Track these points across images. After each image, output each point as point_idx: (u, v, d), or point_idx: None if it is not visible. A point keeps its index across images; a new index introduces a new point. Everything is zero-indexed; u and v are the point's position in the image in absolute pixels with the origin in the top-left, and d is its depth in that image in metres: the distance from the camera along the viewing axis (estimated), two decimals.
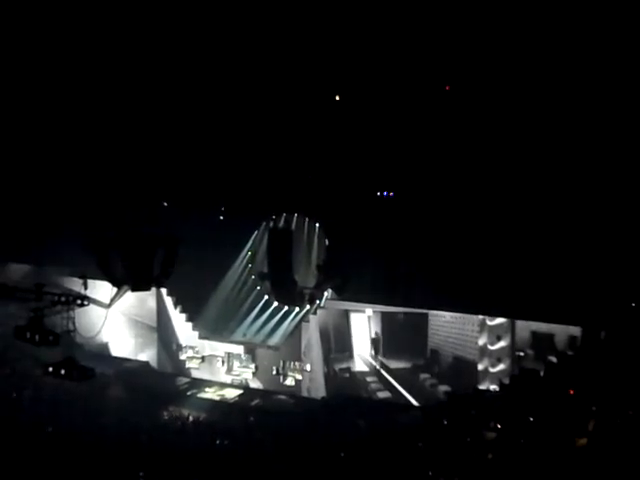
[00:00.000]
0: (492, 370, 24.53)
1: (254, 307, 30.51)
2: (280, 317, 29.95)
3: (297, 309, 29.50)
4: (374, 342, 27.33)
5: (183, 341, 30.62)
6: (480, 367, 24.77)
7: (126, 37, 20.92)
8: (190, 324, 30.54)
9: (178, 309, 30.80)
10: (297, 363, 28.01)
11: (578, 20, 18.06)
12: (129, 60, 21.80)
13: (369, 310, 27.41)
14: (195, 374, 30.28)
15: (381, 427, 21.93)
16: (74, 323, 19.58)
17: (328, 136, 23.72)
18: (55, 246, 27.42)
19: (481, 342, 24.82)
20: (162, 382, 29.48)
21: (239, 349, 29.60)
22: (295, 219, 29.32)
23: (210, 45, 21.44)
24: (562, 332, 22.98)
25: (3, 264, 31.09)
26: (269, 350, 29.09)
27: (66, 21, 20.53)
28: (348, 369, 27.61)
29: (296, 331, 28.68)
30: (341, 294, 27.15)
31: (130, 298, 30.68)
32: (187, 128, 24.73)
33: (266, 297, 30.26)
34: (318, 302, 28.13)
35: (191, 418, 24.86)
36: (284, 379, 28.24)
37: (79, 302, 19.54)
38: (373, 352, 27.29)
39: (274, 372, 28.34)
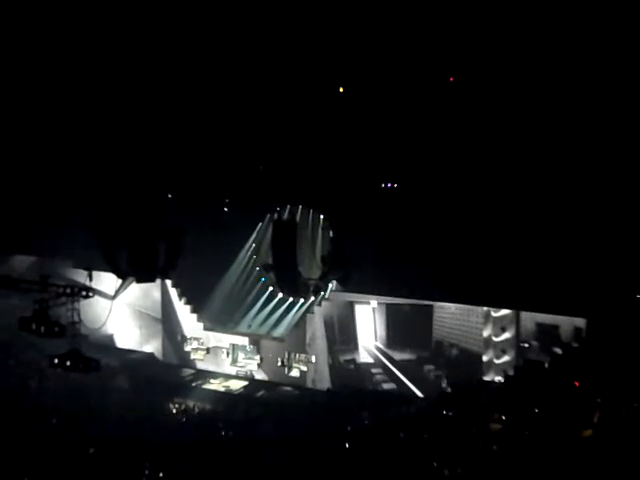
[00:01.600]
0: (497, 361, 24.53)
1: (259, 299, 30.49)
2: (285, 309, 29.91)
3: (302, 300, 29.42)
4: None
5: (188, 332, 30.68)
6: (485, 358, 24.77)
7: (128, 26, 20.85)
8: (195, 315, 30.60)
9: (183, 300, 30.85)
10: (302, 355, 28.04)
11: (582, 15, 17.94)
12: (132, 51, 21.72)
13: (374, 302, 27.40)
14: (200, 365, 30.36)
15: (386, 418, 21.97)
16: (79, 315, 19.51)
17: (332, 127, 23.62)
18: (60, 238, 27.44)
19: (486, 333, 24.82)
20: (167, 373, 29.56)
21: (244, 340, 29.67)
22: (300, 210, 29.24)
23: (213, 37, 21.36)
24: (567, 324, 22.98)
25: (7, 255, 31.09)
26: (274, 341, 29.13)
27: (69, 19, 20.48)
28: (353, 360, 27.66)
29: (301, 322, 28.68)
30: (346, 286, 27.09)
31: (135, 290, 30.71)
32: (191, 120, 24.65)
33: (271, 289, 30.17)
34: (323, 293, 28.07)
35: (196, 409, 24.95)
36: (289, 370, 28.28)
37: (84, 294, 19.49)
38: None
39: (279, 363, 28.39)
